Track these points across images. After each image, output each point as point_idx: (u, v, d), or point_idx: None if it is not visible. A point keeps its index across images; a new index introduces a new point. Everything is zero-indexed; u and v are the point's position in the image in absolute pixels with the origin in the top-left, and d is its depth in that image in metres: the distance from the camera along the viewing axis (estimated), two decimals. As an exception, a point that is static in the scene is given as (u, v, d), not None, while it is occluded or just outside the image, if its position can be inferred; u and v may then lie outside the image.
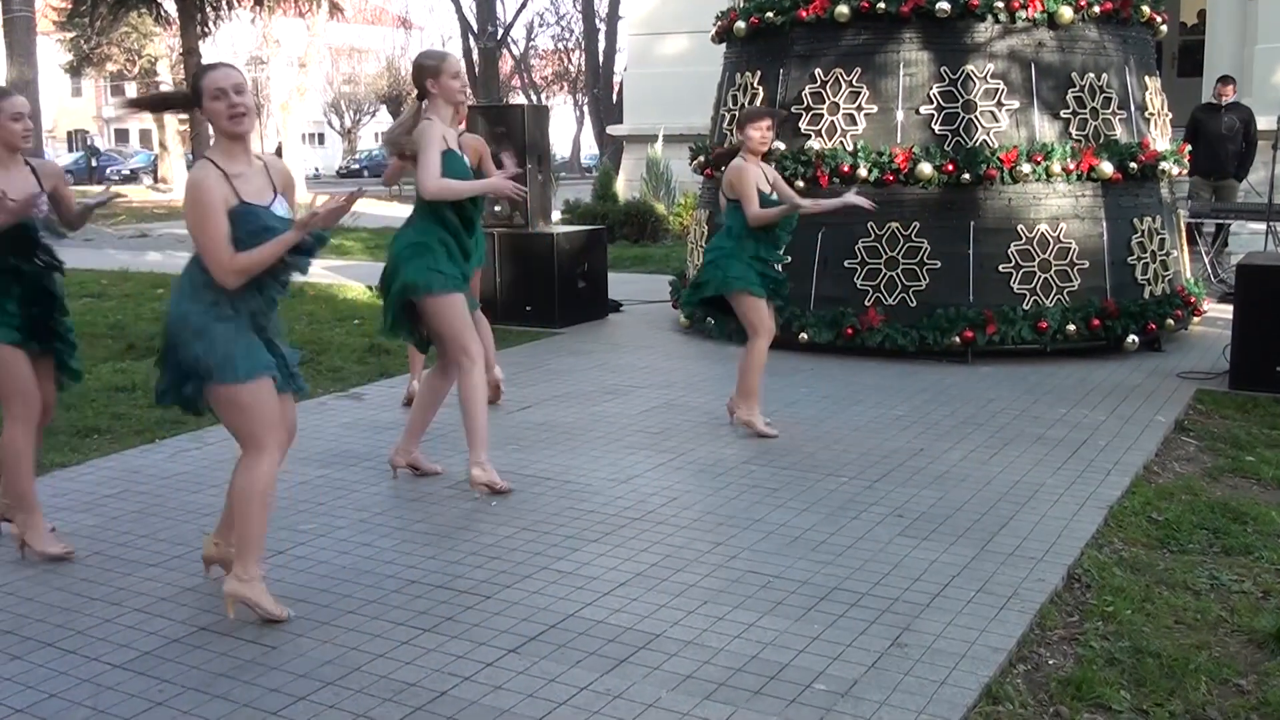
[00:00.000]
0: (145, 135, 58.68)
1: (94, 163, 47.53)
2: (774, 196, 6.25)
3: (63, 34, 34.18)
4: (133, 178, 46.81)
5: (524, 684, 3.48)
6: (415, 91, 5.42)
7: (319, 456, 5.94)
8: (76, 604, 4.14)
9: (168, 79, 36.64)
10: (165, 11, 10.69)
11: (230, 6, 10.42)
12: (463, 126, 6.89)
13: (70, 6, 12.07)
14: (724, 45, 9.93)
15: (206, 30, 10.19)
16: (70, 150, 55.41)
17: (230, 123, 3.79)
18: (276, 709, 3.36)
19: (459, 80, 5.41)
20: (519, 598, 4.14)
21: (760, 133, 6.16)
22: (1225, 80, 12.27)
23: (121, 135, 64.19)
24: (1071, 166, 8.32)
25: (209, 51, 10.18)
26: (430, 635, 3.84)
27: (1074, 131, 8.50)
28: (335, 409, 7.07)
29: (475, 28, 43.60)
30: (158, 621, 3.97)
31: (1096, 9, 8.57)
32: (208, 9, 10.12)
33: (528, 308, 9.89)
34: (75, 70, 41.00)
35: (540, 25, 53.47)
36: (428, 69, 5.37)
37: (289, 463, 5.82)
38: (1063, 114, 8.49)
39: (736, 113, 9.33)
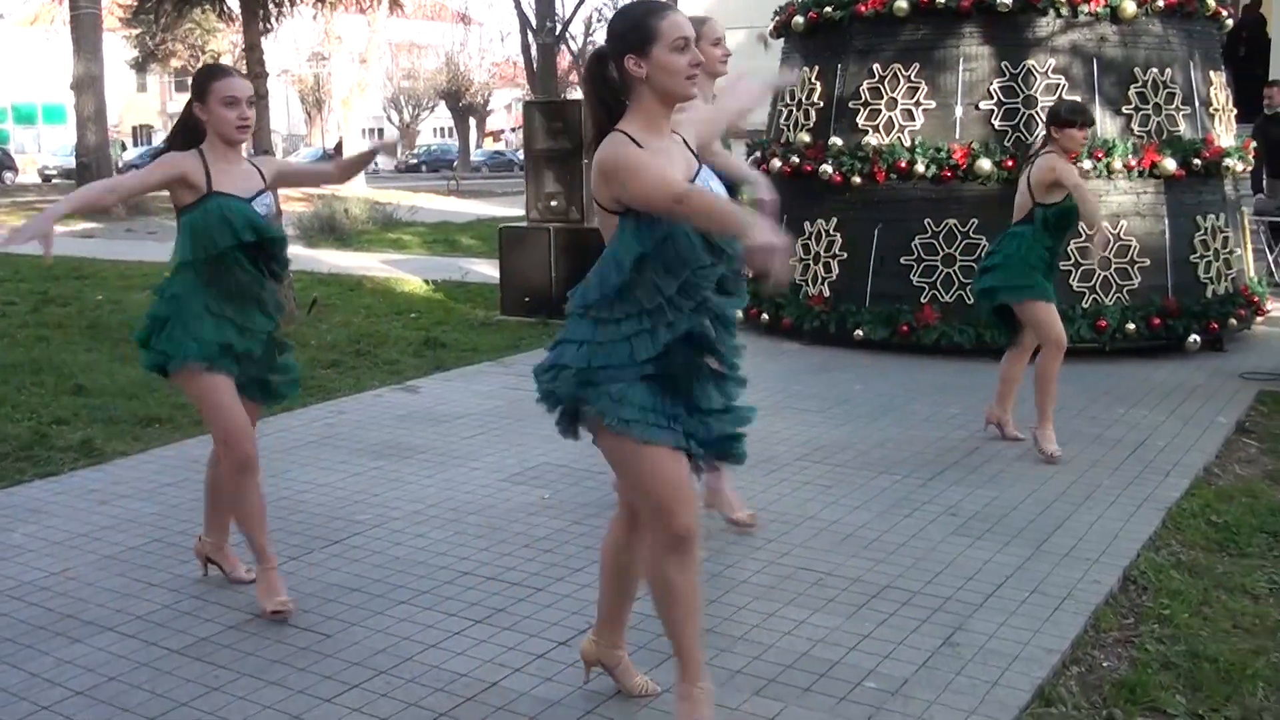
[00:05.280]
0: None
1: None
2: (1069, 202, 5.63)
3: (128, 30, 34.68)
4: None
5: (573, 676, 3.50)
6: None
7: (374, 448, 5.99)
8: (136, 590, 4.22)
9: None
10: (229, 8, 10.79)
11: (293, 3, 10.49)
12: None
13: (136, 3, 12.24)
14: (781, 40, 9.90)
15: (269, 26, 10.27)
16: (136, 144, 56.26)
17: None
18: (329, 696, 3.40)
19: (720, 48, 4.70)
20: (570, 590, 4.16)
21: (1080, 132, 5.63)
22: (1274, 84, 12.02)
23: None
24: (1133, 163, 8.22)
25: (270, 48, 10.29)
26: (482, 626, 3.87)
27: (1136, 127, 8.39)
28: (391, 402, 7.15)
29: (534, 24, 43.70)
30: (214, 609, 4.04)
31: (1160, 3, 8.45)
32: (270, 5, 10.21)
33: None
34: (140, 66, 41.48)
35: (598, 20, 53.28)
36: None
37: (345, 454, 5.90)
38: (1124, 110, 8.39)
39: (794, 108, 9.30)
